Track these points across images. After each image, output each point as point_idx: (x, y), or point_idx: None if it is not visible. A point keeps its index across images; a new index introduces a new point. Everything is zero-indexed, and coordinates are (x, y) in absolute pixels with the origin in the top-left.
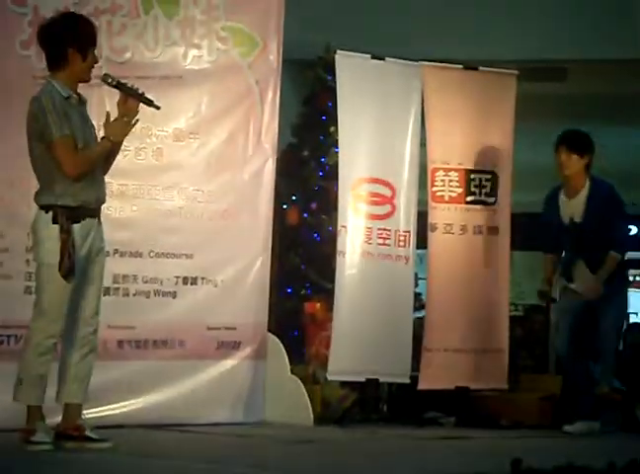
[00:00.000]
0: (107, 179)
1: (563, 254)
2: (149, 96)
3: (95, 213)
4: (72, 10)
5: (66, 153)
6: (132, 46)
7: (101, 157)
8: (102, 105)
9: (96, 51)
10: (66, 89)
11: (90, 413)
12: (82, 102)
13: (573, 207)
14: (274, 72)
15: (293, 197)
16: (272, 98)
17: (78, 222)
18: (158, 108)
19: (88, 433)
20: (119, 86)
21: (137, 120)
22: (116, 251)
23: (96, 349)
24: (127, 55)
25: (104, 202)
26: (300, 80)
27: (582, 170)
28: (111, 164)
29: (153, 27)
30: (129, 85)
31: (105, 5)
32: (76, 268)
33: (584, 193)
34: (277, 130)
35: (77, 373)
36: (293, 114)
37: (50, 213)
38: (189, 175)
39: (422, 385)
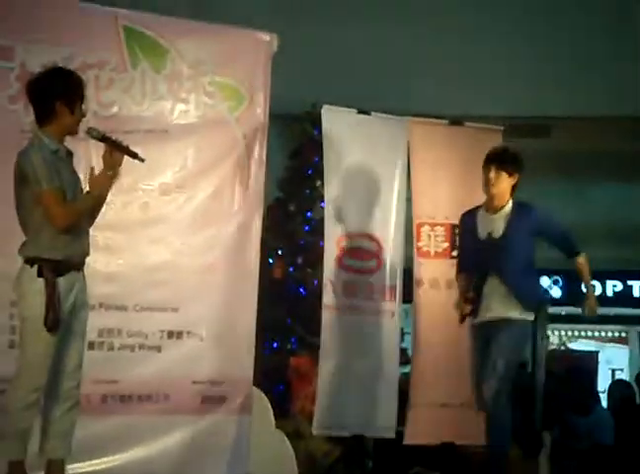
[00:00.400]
0: (93, 232)
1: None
2: (134, 149)
3: (79, 266)
4: (60, 65)
5: (55, 205)
6: (119, 100)
7: (87, 209)
8: (88, 158)
9: (84, 105)
10: (54, 142)
11: (73, 468)
12: (69, 155)
13: (493, 223)
14: (261, 126)
15: (280, 252)
16: (258, 152)
17: (63, 275)
18: (142, 160)
19: None
20: (103, 139)
21: (120, 174)
22: (101, 304)
23: (79, 403)
24: (115, 109)
25: (87, 255)
26: (287, 134)
27: (508, 189)
28: (95, 217)
29: (140, 81)
30: (114, 138)
31: (92, 60)
32: (61, 321)
33: (506, 209)
34: (263, 184)
35: (60, 428)
36: (280, 168)
37: (35, 267)
38: (175, 229)
39: (407, 440)
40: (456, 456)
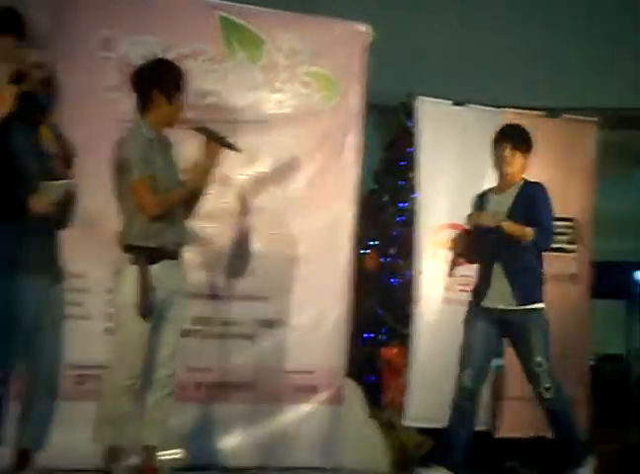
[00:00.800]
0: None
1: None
2: (231, 140)
3: (174, 255)
4: (159, 56)
5: (146, 194)
6: (215, 91)
7: (181, 199)
8: (186, 148)
9: (182, 97)
10: (152, 131)
11: (167, 454)
12: (167, 144)
13: (500, 203)
14: (355, 117)
15: (372, 242)
16: (353, 143)
17: (156, 263)
18: (240, 151)
19: None
20: (202, 130)
21: (218, 165)
22: (194, 293)
23: (173, 392)
24: (210, 99)
25: (184, 245)
26: (383, 126)
27: (521, 169)
28: (193, 208)
29: (236, 71)
30: (211, 129)
31: (189, 50)
32: (154, 309)
33: (514, 189)
34: (357, 175)
35: (154, 416)
36: (375, 159)
37: (130, 254)
38: (268, 219)
39: (500, 433)
40: (548, 450)
